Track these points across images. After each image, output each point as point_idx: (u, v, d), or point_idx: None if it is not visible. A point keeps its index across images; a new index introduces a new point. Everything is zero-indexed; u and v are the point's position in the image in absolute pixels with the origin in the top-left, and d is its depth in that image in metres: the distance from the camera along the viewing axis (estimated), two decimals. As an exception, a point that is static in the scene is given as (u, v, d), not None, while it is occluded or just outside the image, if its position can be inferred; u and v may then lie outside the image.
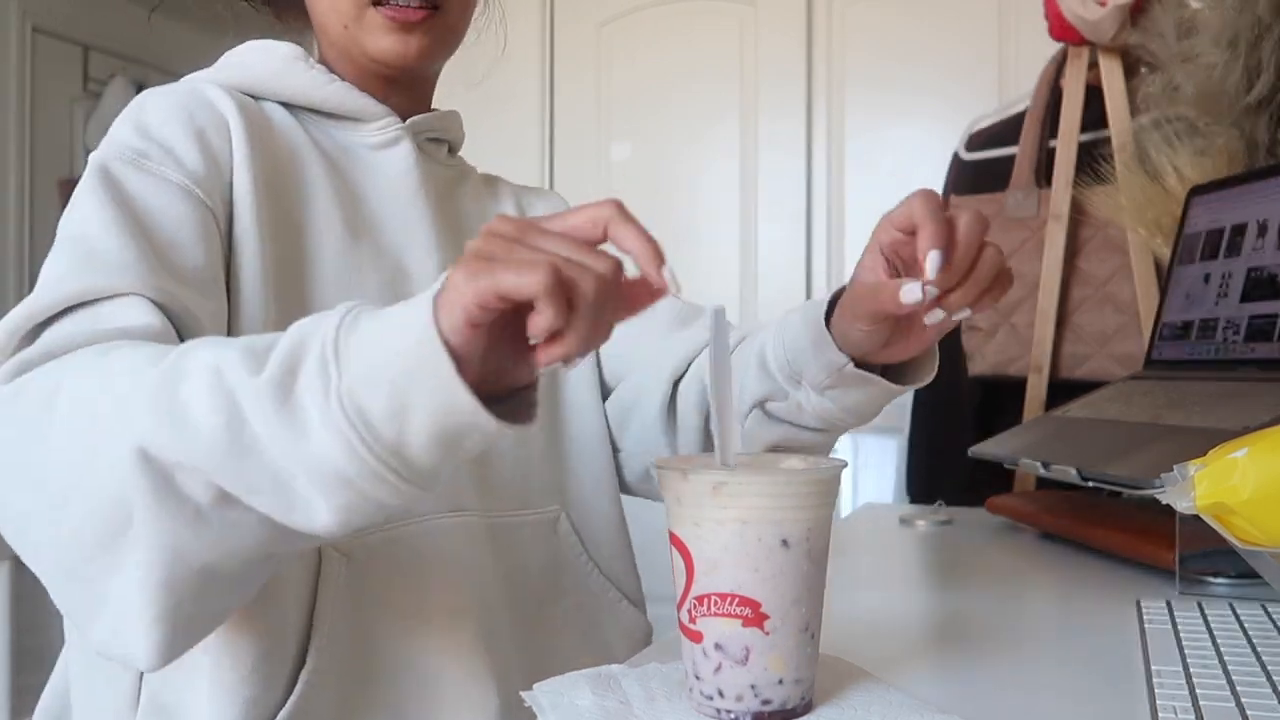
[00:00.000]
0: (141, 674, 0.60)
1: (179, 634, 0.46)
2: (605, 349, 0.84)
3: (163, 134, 0.64)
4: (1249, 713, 0.46)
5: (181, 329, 0.57)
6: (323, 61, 0.76)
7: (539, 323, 0.40)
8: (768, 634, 0.47)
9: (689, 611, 0.48)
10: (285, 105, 0.73)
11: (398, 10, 0.70)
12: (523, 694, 0.50)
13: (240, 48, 0.74)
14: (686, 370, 0.79)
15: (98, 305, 0.54)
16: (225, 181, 0.65)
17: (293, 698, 0.60)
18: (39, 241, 3.48)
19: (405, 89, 0.77)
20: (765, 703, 0.47)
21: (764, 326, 0.75)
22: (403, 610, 0.66)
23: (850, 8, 2.42)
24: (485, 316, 0.40)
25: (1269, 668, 0.52)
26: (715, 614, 0.47)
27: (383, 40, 0.71)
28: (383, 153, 0.75)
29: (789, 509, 0.46)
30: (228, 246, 0.65)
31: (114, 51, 3.69)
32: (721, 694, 0.47)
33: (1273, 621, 0.62)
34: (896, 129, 2.37)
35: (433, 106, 0.82)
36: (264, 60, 0.73)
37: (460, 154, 0.86)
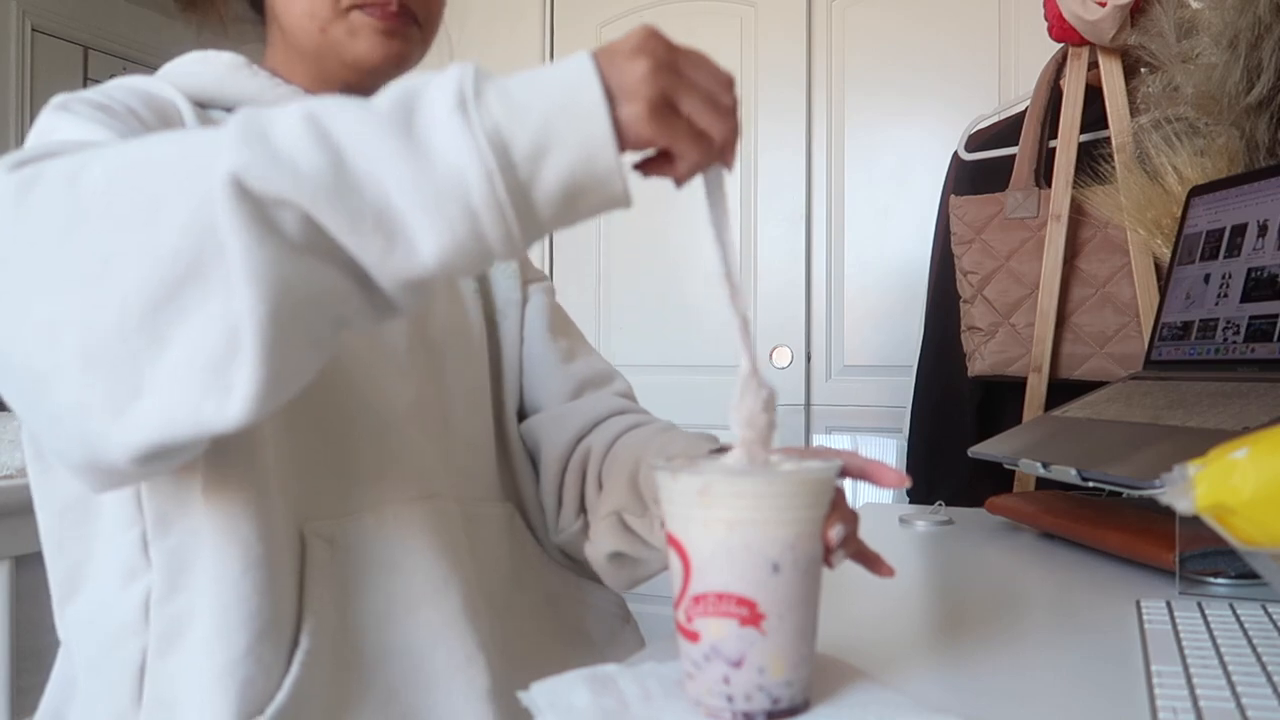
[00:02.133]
0: (143, 671, 0.60)
1: (278, 378, 0.43)
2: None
3: (124, 100, 0.63)
4: (1249, 713, 0.46)
5: None
6: (267, 69, 0.76)
7: (666, 173, 0.48)
8: (765, 634, 0.47)
9: (686, 611, 0.48)
10: (231, 112, 0.72)
11: (384, 14, 0.71)
12: (520, 694, 0.49)
13: (178, 59, 0.74)
14: (572, 452, 0.83)
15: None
16: None
17: (288, 680, 0.60)
18: (39, 242, 3.48)
19: (363, 94, 0.77)
20: (762, 702, 0.47)
21: (653, 427, 0.81)
22: (389, 592, 0.67)
23: (850, 8, 2.42)
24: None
25: (1269, 668, 0.52)
26: (712, 614, 0.47)
27: (363, 43, 0.72)
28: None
29: (780, 510, 0.46)
30: None
31: (114, 51, 3.69)
32: (718, 694, 0.47)
33: (1273, 621, 0.62)
34: (896, 129, 2.37)
35: None
36: (205, 69, 0.72)
37: None
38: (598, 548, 0.77)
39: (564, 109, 0.42)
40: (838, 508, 0.53)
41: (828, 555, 0.52)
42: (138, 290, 0.41)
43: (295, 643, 0.62)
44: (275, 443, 0.63)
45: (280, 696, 0.60)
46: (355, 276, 0.44)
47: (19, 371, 0.44)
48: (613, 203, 0.45)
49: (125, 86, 0.65)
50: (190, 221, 0.41)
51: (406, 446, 0.71)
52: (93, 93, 0.63)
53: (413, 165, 0.41)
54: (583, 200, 0.44)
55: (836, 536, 0.51)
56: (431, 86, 0.43)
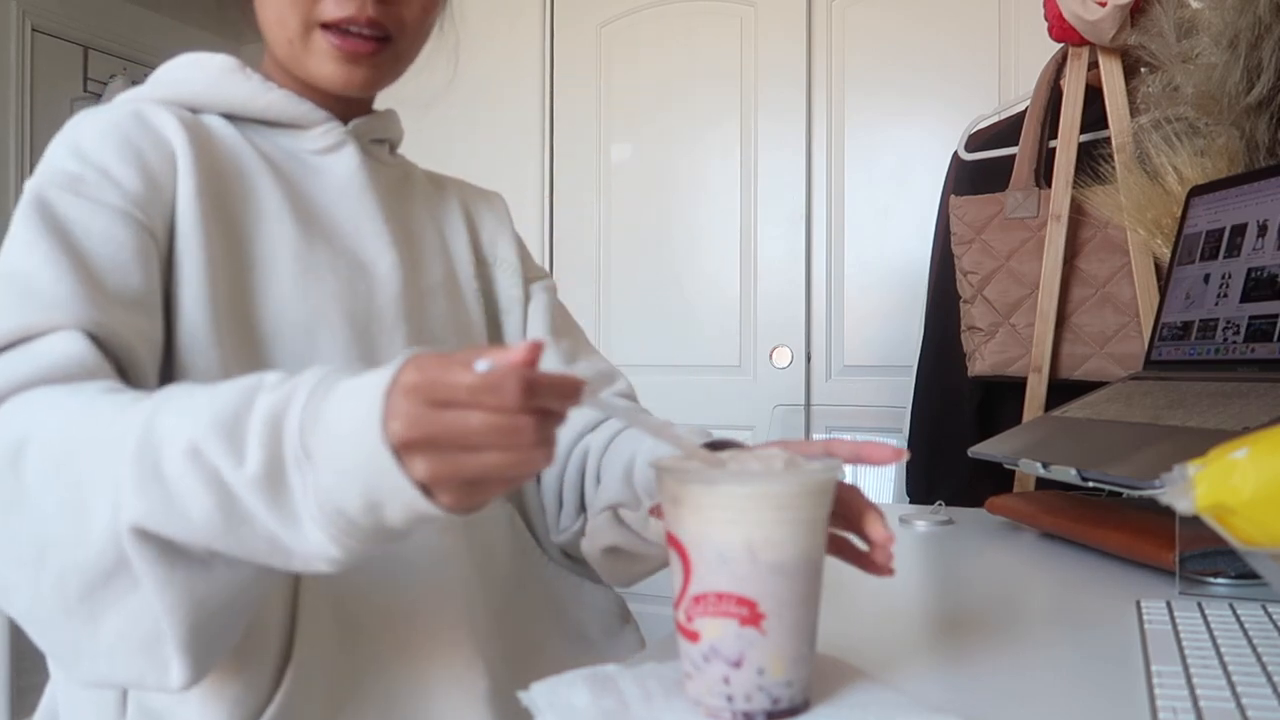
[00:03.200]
0: None
1: (204, 661, 0.49)
2: None
3: (99, 157, 0.63)
4: (1249, 713, 0.46)
5: (120, 357, 0.58)
6: (262, 71, 0.76)
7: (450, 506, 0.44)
8: (764, 634, 0.47)
9: (686, 611, 0.48)
10: (226, 116, 0.73)
11: (346, 40, 0.69)
12: (519, 694, 0.49)
13: (172, 62, 0.74)
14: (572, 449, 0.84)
15: (33, 342, 0.55)
16: (166, 200, 0.65)
17: (280, 692, 0.60)
18: (39, 242, 3.48)
19: (346, 98, 0.77)
20: (762, 702, 0.47)
21: (649, 425, 0.78)
22: (386, 598, 0.67)
23: (850, 8, 2.42)
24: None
25: (1269, 668, 0.52)
26: (712, 614, 0.47)
27: (326, 66, 0.71)
28: (327, 157, 0.75)
29: (780, 510, 0.46)
30: (168, 265, 0.64)
31: (114, 51, 3.69)
32: (718, 694, 0.47)
33: (1273, 621, 0.62)
34: (896, 129, 2.37)
35: (372, 108, 0.82)
36: (198, 73, 0.72)
37: (400, 152, 0.87)
38: (594, 542, 0.77)
39: (373, 482, 0.43)
40: (864, 505, 0.57)
41: (877, 552, 0.55)
42: (71, 576, 0.47)
43: (288, 651, 0.62)
44: None
45: (272, 709, 0.60)
46: (265, 567, 0.48)
47: None
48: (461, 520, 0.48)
49: (104, 136, 0.65)
50: (107, 537, 0.46)
51: None
52: (67, 156, 0.63)
53: (285, 524, 0.45)
54: (436, 523, 0.46)
55: (883, 532, 0.56)
56: (286, 429, 0.44)
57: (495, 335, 0.86)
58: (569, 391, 0.43)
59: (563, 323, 0.91)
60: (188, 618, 0.47)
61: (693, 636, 0.48)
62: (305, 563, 0.46)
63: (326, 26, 0.69)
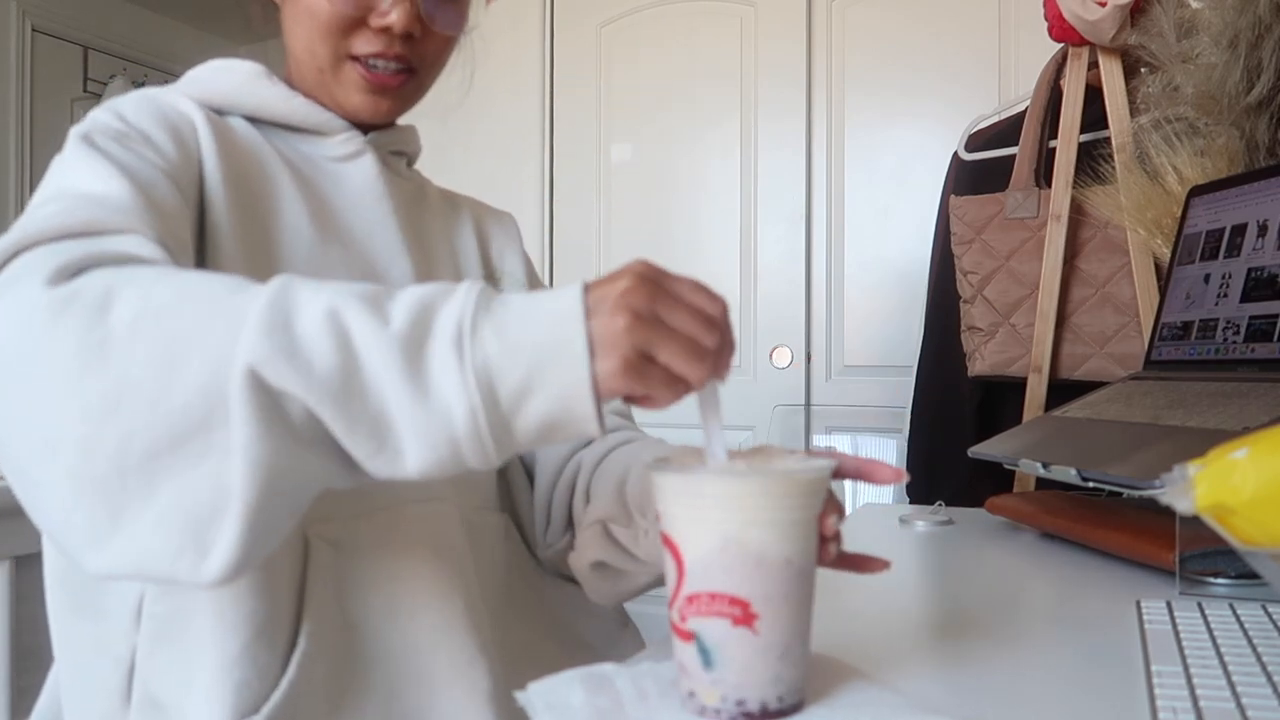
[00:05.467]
0: (132, 670, 0.61)
1: (255, 548, 0.45)
2: None
3: (139, 123, 0.64)
4: (1249, 713, 0.46)
5: None
6: (287, 79, 0.77)
7: (653, 406, 0.49)
8: (758, 633, 0.46)
9: (679, 611, 0.48)
10: (249, 120, 0.74)
11: (375, 75, 0.72)
12: (516, 694, 0.49)
13: (201, 67, 0.75)
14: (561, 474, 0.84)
15: (107, 235, 0.52)
16: (196, 176, 0.66)
17: (284, 681, 0.60)
18: (39, 242, 3.48)
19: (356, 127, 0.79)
20: (756, 702, 0.47)
21: (644, 442, 0.82)
22: (391, 593, 0.67)
23: (850, 8, 2.42)
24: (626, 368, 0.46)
25: (1269, 668, 0.52)
26: (705, 613, 0.47)
27: (355, 97, 0.74)
28: (346, 165, 0.76)
29: (773, 510, 0.46)
30: (200, 238, 0.65)
31: (114, 51, 3.69)
32: (712, 693, 0.47)
33: (1273, 621, 0.61)
34: (896, 129, 2.37)
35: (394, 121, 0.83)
36: (225, 77, 0.74)
37: (417, 167, 0.88)
38: (581, 557, 0.77)
39: (549, 355, 0.45)
40: (828, 500, 0.54)
41: (824, 545, 0.53)
42: (142, 434, 0.44)
43: (293, 644, 0.62)
44: None
45: (276, 696, 0.59)
46: (342, 462, 0.47)
47: (16, 472, 0.46)
48: (585, 436, 0.48)
49: (142, 106, 0.66)
50: (205, 387, 0.44)
51: None
52: (111, 116, 0.64)
53: (410, 391, 0.45)
54: (558, 433, 0.48)
55: (833, 526, 0.53)
56: (442, 314, 0.46)
57: None
58: (730, 350, 0.50)
59: None
60: (264, 484, 0.44)
61: (686, 636, 0.48)
62: (391, 460, 0.46)
63: (355, 58, 0.72)
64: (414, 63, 0.74)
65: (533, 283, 0.92)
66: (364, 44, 0.72)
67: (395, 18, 0.71)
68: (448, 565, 0.70)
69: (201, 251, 0.64)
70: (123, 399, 0.44)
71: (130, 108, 0.66)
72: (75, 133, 0.62)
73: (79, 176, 0.57)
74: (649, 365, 0.47)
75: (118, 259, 0.50)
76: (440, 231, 0.85)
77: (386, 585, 0.67)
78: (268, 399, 0.44)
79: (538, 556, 0.85)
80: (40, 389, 0.45)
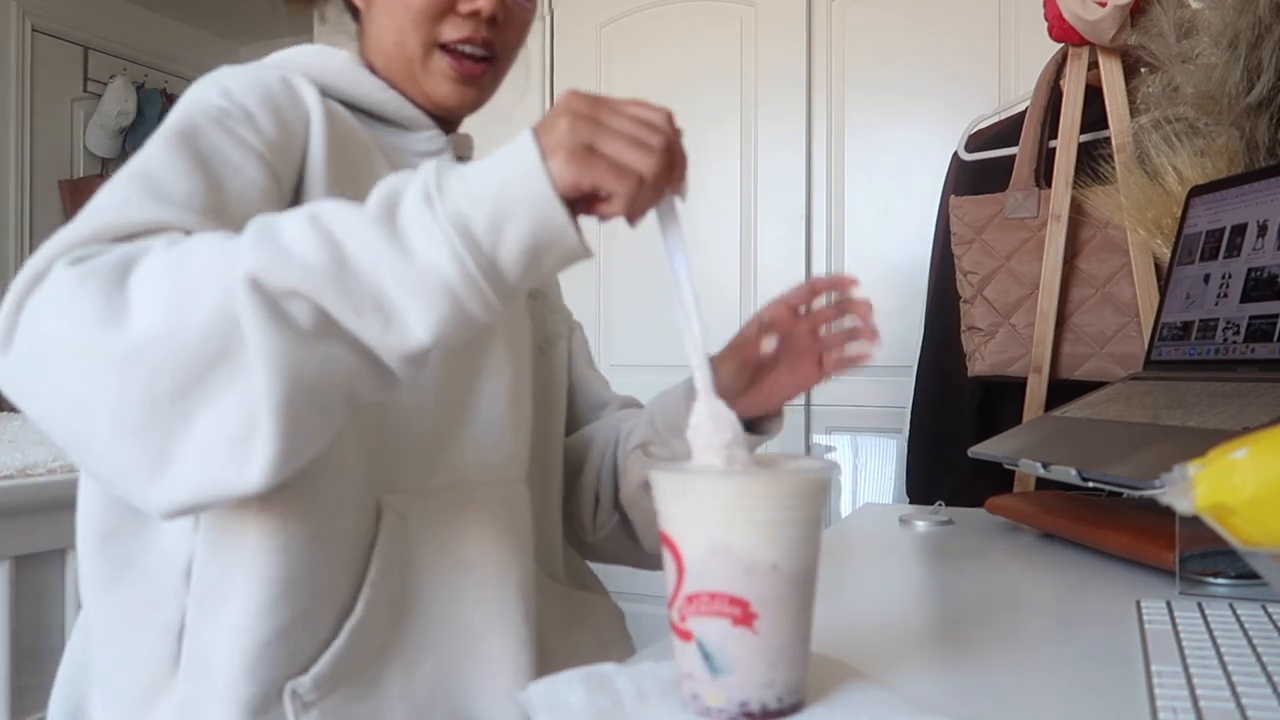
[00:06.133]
0: (181, 632, 0.61)
1: (292, 452, 0.48)
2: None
3: (243, 100, 0.66)
4: (1249, 713, 0.46)
5: None
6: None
7: (607, 211, 0.51)
8: (757, 633, 0.46)
9: (679, 611, 0.48)
10: (346, 105, 0.76)
11: (463, 63, 0.76)
12: (516, 694, 0.50)
13: (298, 49, 0.77)
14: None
15: (155, 236, 0.55)
16: (296, 156, 0.68)
17: (334, 645, 0.62)
18: (39, 241, 3.47)
19: (441, 116, 0.82)
20: (755, 702, 0.47)
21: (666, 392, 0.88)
22: (452, 570, 0.69)
23: (850, 8, 2.42)
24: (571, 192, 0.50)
25: (1269, 668, 0.52)
26: (705, 613, 0.47)
27: (443, 87, 0.77)
28: (429, 160, 0.77)
29: (772, 510, 0.46)
30: None
31: (114, 51, 3.70)
32: (712, 693, 0.47)
33: (1273, 621, 0.61)
34: (896, 129, 2.37)
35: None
36: (326, 61, 0.76)
37: None
38: (629, 481, 0.83)
39: (510, 180, 0.49)
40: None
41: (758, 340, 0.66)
42: (167, 373, 0.47)
43: (349, 610, 0.63)
44: (366, 414, 0.65)
45: (324, 659, 0.61)
46: (360, 354, 0.49)
47: (62, 436, 0.50)
48: (573, 255, 0.52)
49: (251, 83, 0.68)
50: (214, 314, 0.47)
51: (492, 430, 0.74)
52: (216, 93, 0.66)
53: (396, 256, 0.48)
54: (546, 257, 0.51)
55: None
56: (409, 185, 0.50)
57: (539, 362, 0.87)
58: (682, 158, 0.53)
59: (590, 357, 1.00)
60: (285, 385, 0.47)
61: (686, 636, 0.48)
62: (401, 330, 0.48)
63: (444, 48, 0.76)
64: (497, 49, 0.78)
65: (553, 286, 0.96)
66: (453, 30, 0.75)
67: (483, 1, 0.74)
68: (510, 548, 0.72)
69: None
70: (141, 350, 0.47)
71: (237, 85, 0.67)
72: (177, 113, 0.64)
73: (159, 165, 0.59)
74: (593, 155, 0.49)
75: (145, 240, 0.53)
76: None
77: (449, 563, 0.69)
78: (271, 301, 0.47)
79: (588, 543, 0.91)
80: (69, 354, 0.48)
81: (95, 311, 0.48)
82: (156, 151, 0.60)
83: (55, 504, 1.41)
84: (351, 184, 0.69)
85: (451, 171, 0.50)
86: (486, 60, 0.78)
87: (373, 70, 0.79)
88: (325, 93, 0.74)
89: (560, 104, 0.51)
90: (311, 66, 0.75)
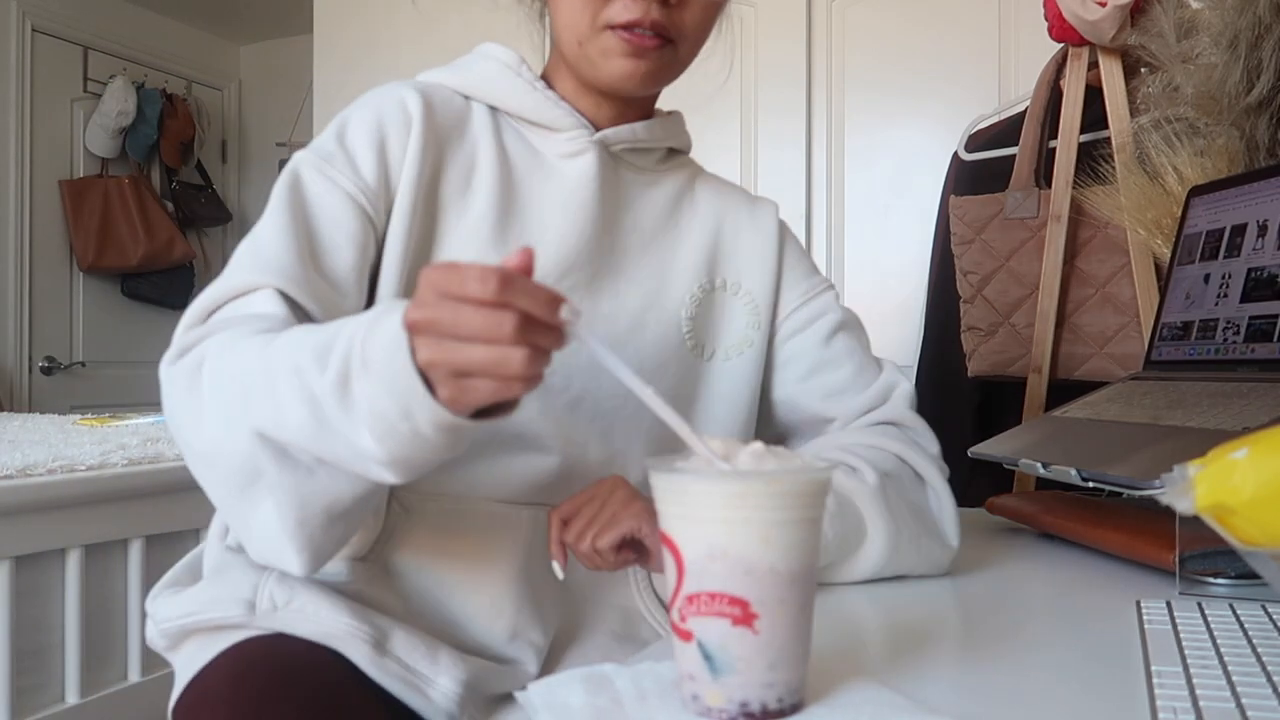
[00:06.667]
0: (225, 533, 0.77)
1: (317, 554, 0.60)
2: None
3: (353, 143, 0.74)
4: (1249, 713, 0.46)
5: (312, 316, 0.68)
6: (546, 74, 0.83)
7: (509, 407, 0.54)
8: (757, 633, 0.46)
9: (679, 610, 0.48)
10: (493, 108, 0.81)
11: (633, 35, 0.74)
12: (516, 694, 0.50)
13: (477, 51, 0.83)
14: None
15: (246, 296, 0.67)
16: (392, 192, 0.75)
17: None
18: (39, 241, 3.48)
19: (623, 101, 0.82)
20: (756, 702, 0.47)
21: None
22: (438, 568, 0.76)
23: (850, 8, 2.42)
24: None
25: (1269, 668, 0.52)
26: (705, 613, 0.47)
27: (612, 63, 0.75)
28: (567, 161, 0.80)
29: (772, 510, 0.46)
30: (379, 250, 0.74)
31: (114, 51, 3.70)
32: (712, 693, 0.47)
33: (1273, 621, 0.61)
34: (896, 129, 2.37)
35: (654, 109, 0.87)
36: (482, 65, 0.81)
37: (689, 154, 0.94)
38: None
39: (403, 392, 0.51)
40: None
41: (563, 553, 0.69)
42: (231, 477, 0.60)
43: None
44: None
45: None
46: (358, 478, 0.57)
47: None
48: (478, 430, 0.54)
49: (365, 121, 0.75)
50: (245, 445, 0.58)
51: (500, 457, 0.77)
52: (331, 138, 0.75)
53: (351, 426, 0.53)
54: (464, 432, 0.53)
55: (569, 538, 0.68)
56: (354, 347, 0.53)
57: (694, 368, 0.85)
58: (545, 299, 0.48)
59: (831, 355, 0.88)
60: (294, 510, 0.58)
61: (686, 636, 0.48)
62: (379, 475, 0.55)
63: (612, 28, 0.74)
64: (671, 32, 0.75)
65: (786, 297, 0.89)
66: (620, 11, 0.73)
67: None
68: (499, 565, 0.75)
69: (378, 261, 0.74)
70: (214, 455, 0.60)
71: (354, 125, 0.75)
72: (295, 159, 0.74)
73: (265, 225, 0.71)
74: (471, 380, 0.49)
75: (231, 324, 0.65)
76: (660, 236, 0.84)
77: (436, 558, 0.76)
78: (278, 450, 0.57)
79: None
80: (185, 438, 0.63)
81: (188, 409, 0.62)
82: (270, 210, 0.71)
83: (55, 504, 1.41)
84: (437, 203, 0.76)
85: (370, 339, 0.52)
86: (662, 39, 0.75)
87: (547, 73, 0.82)
88: (473, 96, 0.80)
89: (412, 322, 0.50)
90: (467, 71, 0.80)
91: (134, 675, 1.56)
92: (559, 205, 0.79)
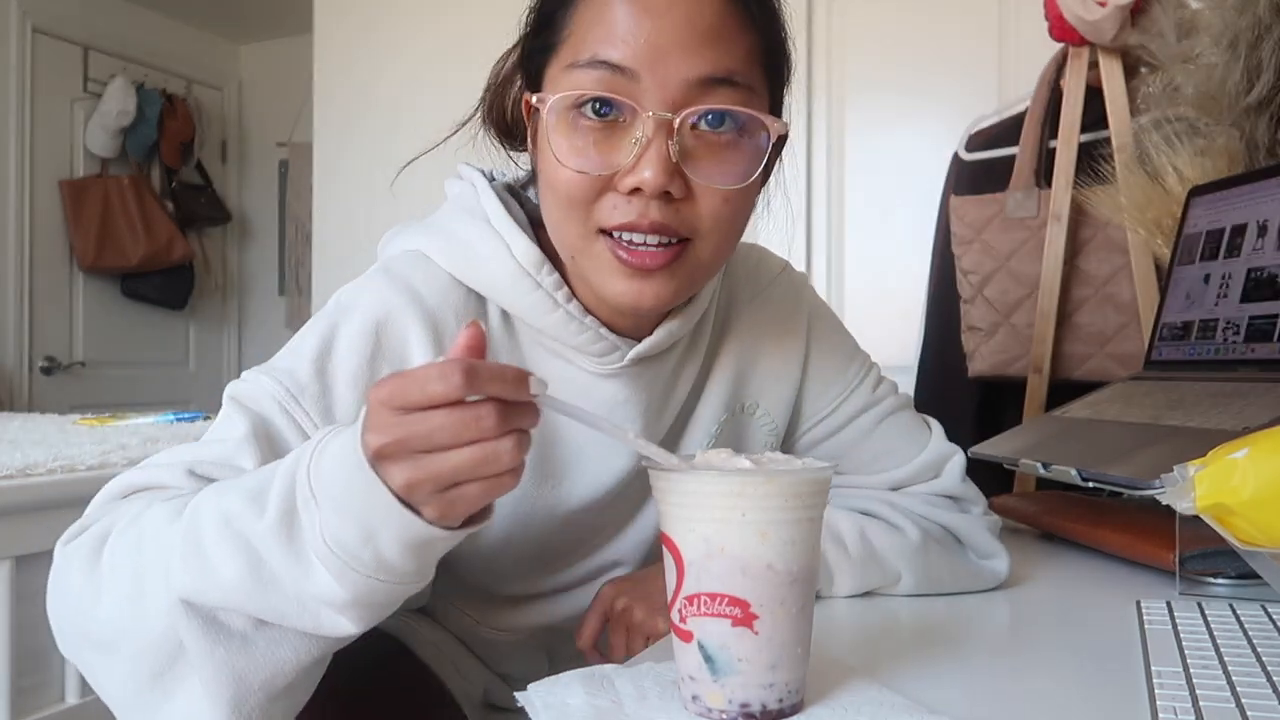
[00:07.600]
0: None
1: None
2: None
3: (334, 376, 0.63)
4: (1249, 713, 0.46)
5: None
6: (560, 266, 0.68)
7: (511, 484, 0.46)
8: (757, 634, 0.46)
9: (680, 611, 0.48)
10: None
11: (632, 252, 0.59)
12: (516, 694, 0.49)
13: (484, 242, 0.67)
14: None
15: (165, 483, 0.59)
16: None
17: None
18: (39, 241, 3.48)
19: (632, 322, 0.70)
20: (756, 702, 0.47)
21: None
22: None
23: (850, 8, 2.42)
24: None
25: (1269, 668, 0.52)
26: (705, 614, 0.47)
27: (613, 283, 0.61)
28: (600, 383, 0.69)
29: (772, 511, 0.46)
30: None
31: (114, 51, 3.69)
32: (712, 693, 0.47)
33: (1273, 621, 0.61)
34: (897, 129, 2.37)
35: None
36: (497, 267, 0.66)
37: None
38: None
39: (365, 508, 0.45)
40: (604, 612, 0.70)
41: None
42: (143, 658, 0.51)
43: None
44: None
45: None
46: (296, 639, 0.50)
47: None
48: (456, 539, 0.47)
49: (355, 359, 0.63)
50: (163, 621, 0.50)
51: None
52: (309, 365, 0.62)
53: (301, 570, 0.48)
54: (432, 548, 0.47)
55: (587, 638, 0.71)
56: (299, 480, 0.48)
57: (729, 424, 0.79)
58: (513, 378, 0.43)
59: (875, 440, 0.81)
60: (227, 690, 0.49)
61: (686, 636, 0.48)
62: (332, 626, 0.49)
63: (607, 233, 0.61)
64: (682, 230, 0.60)
65: (813, 404, 0.81)
66: (611, 213, 0.60)
67: (648, 175, 0.57)
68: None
69: None
70: (119, 637, 0.52)
71: (342, 353, 0.63)
72: (255, 384, 0.62)
73: (225, 431, 0.60)
74: (459, 489, 0.45)
75: (146, 496, 0.57)
76: (682, 408, 0.76)
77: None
78: (207, 617, 0.50)
79: None
80: (81, 626, 0.55)
81: (83, 593, 0.53)
82: (219, 424, 0.61)
83: (55, 504, 1.41)
84: None
85: (320, 471, 0.47)
86: (672, 246, 0.60)
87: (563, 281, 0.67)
88: (488, 298, 0.68)
89: (376, 449, 0.44)
90: (481, 265, 0.66)
91: (134, 675, 1.56)
92: (597, 435, 0.68)
